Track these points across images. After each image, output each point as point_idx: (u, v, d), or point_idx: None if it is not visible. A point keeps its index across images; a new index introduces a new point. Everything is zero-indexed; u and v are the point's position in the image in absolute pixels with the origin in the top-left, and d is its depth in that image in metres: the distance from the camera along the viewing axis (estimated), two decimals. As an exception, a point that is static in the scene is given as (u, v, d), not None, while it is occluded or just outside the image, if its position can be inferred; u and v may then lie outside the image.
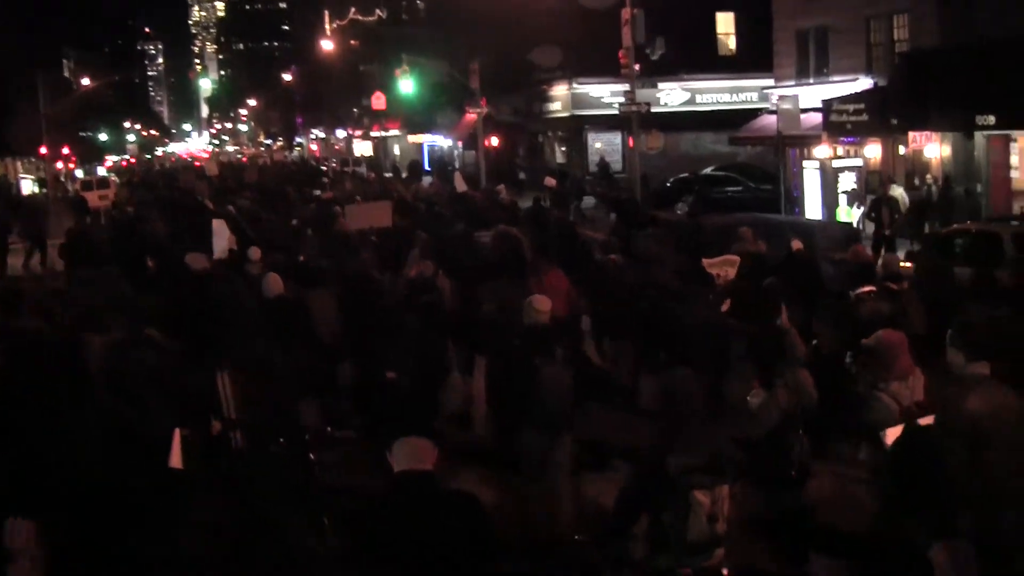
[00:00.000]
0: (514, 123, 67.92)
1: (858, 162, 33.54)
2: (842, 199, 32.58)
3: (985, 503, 7.17)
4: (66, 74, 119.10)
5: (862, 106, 34.50)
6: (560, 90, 60.31)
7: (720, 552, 7.45)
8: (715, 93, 58.30)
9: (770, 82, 51.72)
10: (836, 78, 39.01)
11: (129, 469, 8.22)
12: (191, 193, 39.05)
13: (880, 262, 15.62)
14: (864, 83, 37.16)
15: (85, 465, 7.97)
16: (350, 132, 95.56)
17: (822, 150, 38.39)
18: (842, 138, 36.45)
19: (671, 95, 56.17)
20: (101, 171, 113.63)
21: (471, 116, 68.28)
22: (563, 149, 63.88)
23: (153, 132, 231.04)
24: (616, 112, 57.47)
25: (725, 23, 59.91)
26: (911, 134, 34.01)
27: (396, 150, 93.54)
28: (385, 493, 6.41)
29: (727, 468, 7.46)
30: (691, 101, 57.56)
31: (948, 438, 7.44)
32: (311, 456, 10.91)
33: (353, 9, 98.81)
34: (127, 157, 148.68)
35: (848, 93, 36.08)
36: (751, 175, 47.56)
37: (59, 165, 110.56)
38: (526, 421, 10.56)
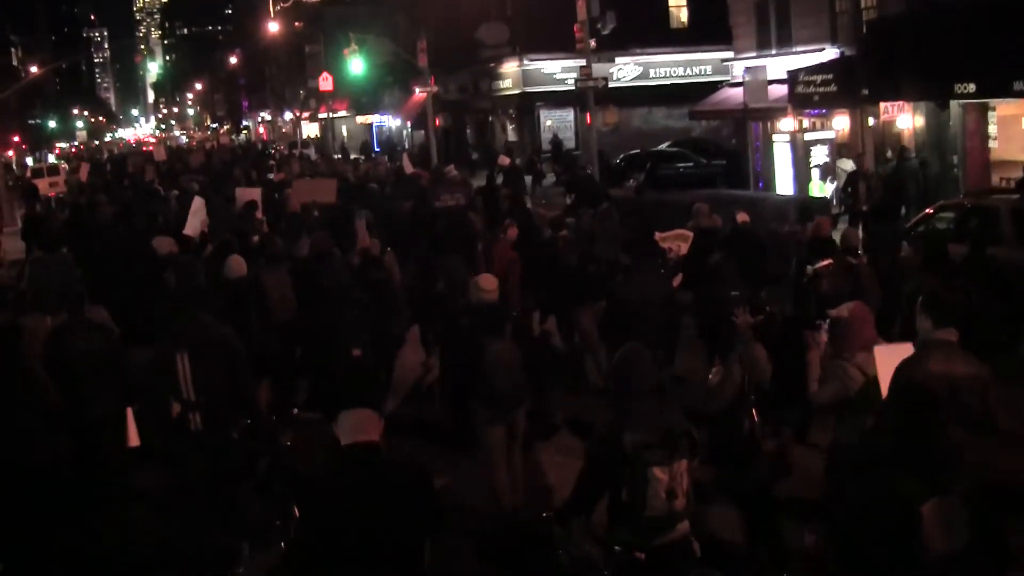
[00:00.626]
0: (462, 102, 65.48)
1: (829, 135, 31.38)
2: (814, 173, 30.45)
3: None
4: (14, 63, 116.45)
5: (830, 76, 32.45)
6: (510, 67, 57.92)
7: (680, 527, 7.33)
8: (668, 67, 56.19)
9: (727, 54, 49.88)
10: (799, 48, 36.73)
11: (60, 453, 8.53)
12: (140, 177, 39.93)
13: (840, 236, 15.10)
14: (830, 53, 35.03)
15: (16, 453, 8.24)
16: (297, 114, 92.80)
17: (787, 123, 36.43)
18: (808, 110, 34.47)
19: (623, 70, 53.95)
20: (51, 158, 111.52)
21: (419, 96, 66.03)
22: (514, 127, 61.53)
23: (101, 119, 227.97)
24: (569, 88, 56.01)
25: (675, -2, 57.83)
26: (882, 105, 31.89)
27: (344, 131, 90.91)
28: (330, 465, 6.44)
29: (683, 443, 7.26)
30: (643, 76, 55.33)
31: (897, 400, 7.53)
32: (279, 439, 10.73)
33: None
34: (76, 144, 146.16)
35: (814, 64, 34.01)
36: (704, 151, 45.78)
37: (10, 153, 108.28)
38: (474, 398, 10.73)
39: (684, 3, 57.70)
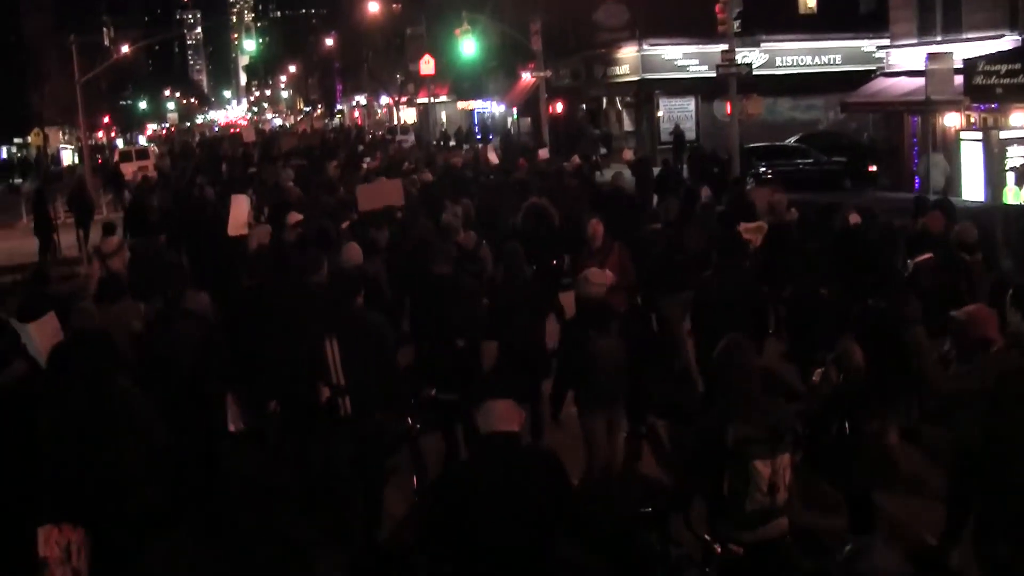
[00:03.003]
0: (573, 88, 61.73)
1: (1030, 133, 27.36)
2: (1009, 178, 26.43)
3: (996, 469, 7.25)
4: (106, 43, 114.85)
5: (1017, 66, 28.48)
6: (628, 52, 54.07)
7: (780, 523, 7.13)
8: (795, 55, 52.30)
9: (858, 43, 46.23)
10: (971, 35, 32.65)
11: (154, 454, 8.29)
12: (238, 161, 39.66)
13: (956, 231, 13.52)
14: (1009, 40, 31.13)
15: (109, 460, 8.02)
16: (395, 99, 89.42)
17: (952, 118, 32.54)
18: (978, 104, 30.54)
19: (748, 57, 49.93)
20: (142, 140, 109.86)
21: (527, 81, 62.44)
22: (631, 116, 57.76)
23: (193, 100, 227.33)
24: (690, 76, 52.59)
25: (805, -21, 53.79)
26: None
27: (443, 117, 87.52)
28: (472, 454, 7.36)
29: (786, 438, 7.11)
30: (769, 64, 51.13)
31: (977, 397, 7.66)
32: (412, 423, 10.81)
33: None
34: (167, 126, 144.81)
35: (993, 52, 30.06)
36: (832, 146, 42.44)
37: (100, 134, 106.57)
38: (581, 394, 10.72)
39: (813, -12, 53.76)
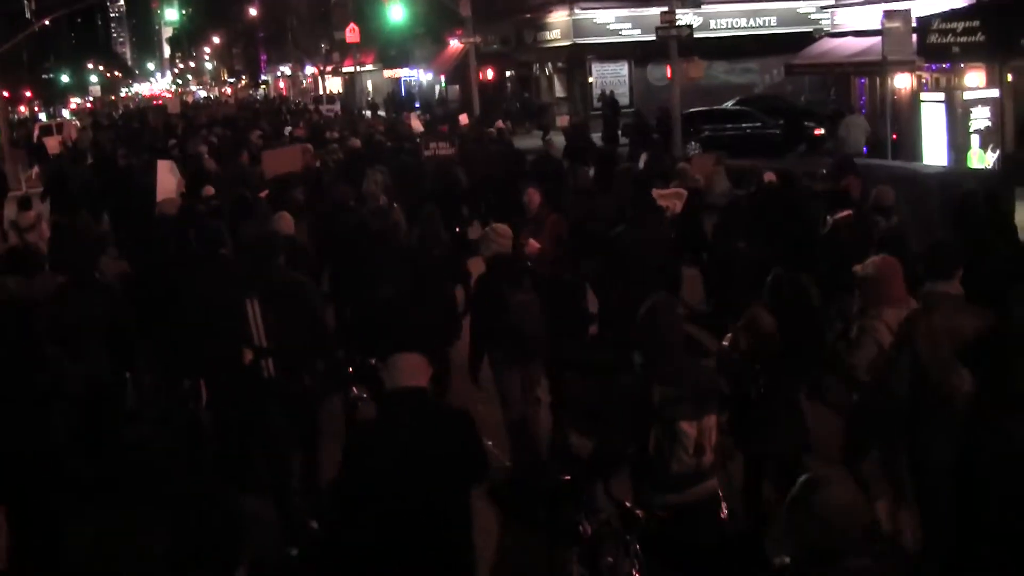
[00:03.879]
0: (502, 54, 59.42)
1: (992, 94, 25.34)
2: (974, 141, 24.53)
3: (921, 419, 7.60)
4: (27, 15, 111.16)
5: (976, 23, 26.57)
6: (559, 16, 51.86)
7: (707, 485, 7.04)
8: (730, 17, 50.28)
9: (797, 4, 44.54)
10: (919, -9, 30.89)
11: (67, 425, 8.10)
12: (159, 133, 39.41)
13: (872, 193, 13.76)
14: (960, -3, 29.33)
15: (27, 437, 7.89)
16: (320, 68, 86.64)
17: (903, 79, 30.66)
18: (929, 64, 28.69)
19: (685, 19, 47.90)
20: (65, 114, 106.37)
21: (455, 48, 60.07)
22: (562, 82, 55.58)
23: (116, 73, 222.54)
24: (623, 40, 50.54)
25: (740, -62, 51.83)
26: (1040, 58, 26.05)
27: (370, 86, 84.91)
28: (379, 410, 6.93)
29: (712, 398, 7.07)
30: (703, 27, 48.92)
31: (899, 352, 7.82)
32: (353, 389, 10.77)
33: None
34: (90, 99, 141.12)
35: (948, 9, 28.16)
36: (773, 110, 40.45)
37: (22, 108, 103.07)
38: (495, 350, 10.49)
39: (747, -51, 51.87)
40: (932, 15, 27.71)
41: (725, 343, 9.23)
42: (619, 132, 38.47)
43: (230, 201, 16.21)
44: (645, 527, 7.03)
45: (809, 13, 50.63)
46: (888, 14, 25.45)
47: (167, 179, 18.97)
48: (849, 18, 34.65)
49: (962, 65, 28.18)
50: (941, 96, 25.47)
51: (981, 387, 6.48)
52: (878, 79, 32.73)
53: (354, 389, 10.84)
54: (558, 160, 23.24)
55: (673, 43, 33.10)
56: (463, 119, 36.63)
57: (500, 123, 32.63)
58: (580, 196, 16.76)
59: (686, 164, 18.28)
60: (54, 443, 8.02)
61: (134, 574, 5.41)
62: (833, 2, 35.97)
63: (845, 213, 13.29)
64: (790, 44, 49.98)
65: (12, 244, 16.25)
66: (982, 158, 24.23)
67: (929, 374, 7.58)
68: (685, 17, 41.50)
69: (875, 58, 30.42)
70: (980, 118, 24.43)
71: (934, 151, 24.83)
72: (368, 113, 60.74)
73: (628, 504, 7.16)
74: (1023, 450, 5.89)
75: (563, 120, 36.15)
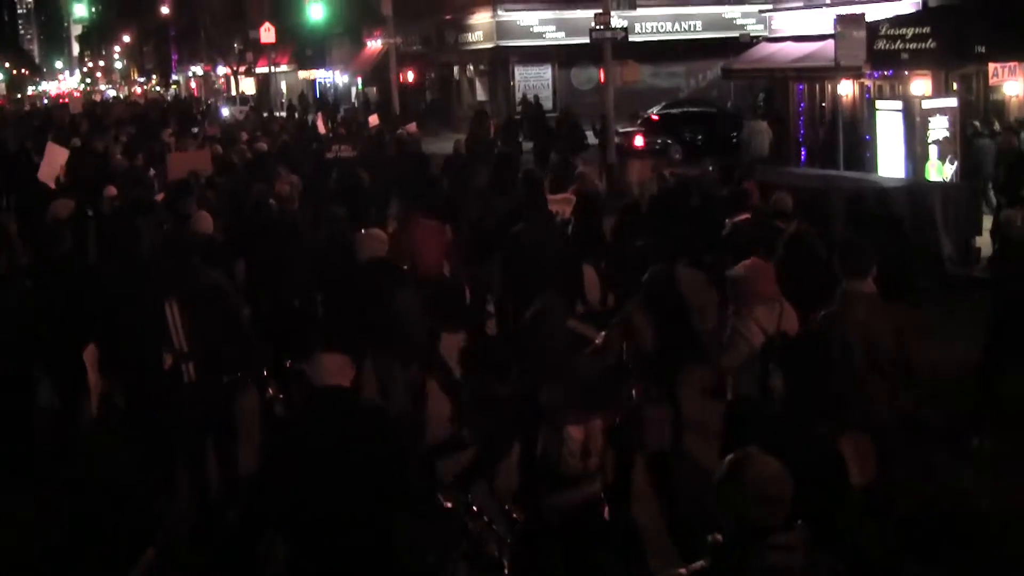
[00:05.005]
0: (422, 55, 57.54)
1: (950, 102, 23.93)
2: (932, 151, 23.12)
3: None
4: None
5: (926, 30, 25.24)
6: (481, 18, 50.22)
7: (592, 488, 6.96)
8: (655, 22, 48.84)
9: (722, 9, 43.48)
10: (864, -5, 29.58)
11: None
12: (64, 131, 37.29)
13: (773, 198, 13.95)
14: (909, 4, 28.01)
15: None
16: (233, 68, 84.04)
17: (845, 86, 29.37)
18: (870, 72, 27.42)
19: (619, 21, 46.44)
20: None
21: (373, 48, 58.12)
22: (484, 85, 53.88)
23: (24, 71, 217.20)
24: (546, 44, 49.02)
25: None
26: (991, 66, 24.77)
27: (283, 87, 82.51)
28: (301, 409, 6.85)
29: (599, 400, 7.05)
30: (628, 29, 47.61)
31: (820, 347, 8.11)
32: (270, 391, 10.53)
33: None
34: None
35: (897, 15, 26.92)
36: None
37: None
38: (376, 346, 10.27)
39: (675, -49, 50.57)
40: (881, 20, 26.39)
41: (598, 342, 9.07)
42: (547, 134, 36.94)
43: (128, 202, 16.18)
44: (525, 529, 7.03)
45: (735, 18, 49.59)
46: (841, 19, 24.06)
47: (54, 162, 19.16)
48: (787, 23, 33.27)
49: (906, 72, 26.96)
50: (899, 104, 24.01)
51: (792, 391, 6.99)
52: (817, 85, 31.44)
53: (270, 390, 10.69)
54: (461, 162, 23.01)
55: (607, 45, 31.45)
56: (372, 120, 36.01)
57: (412, 126, 31.90)
58: (477, 196, 16.70)
59: (585, 169, 18.91)
60: None
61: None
62: (771, 6, 34.41)
63: (743, 216, 13.54)
64: (715, 49, 49.21)
65: None
66: (940, 170, 22.87)
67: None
68: (617, 20, 40.22)
69: (820, 63, 29.22)
70: (938, 128, 23.04)
71: (890, 161, 23.41)
72: (284, 115, 58.62)
73: (506, 507, 7.23)
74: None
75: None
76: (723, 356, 8.65)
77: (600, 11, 31.28)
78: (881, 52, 25.96)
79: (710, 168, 19.17)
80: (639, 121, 36.64)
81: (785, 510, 4.72)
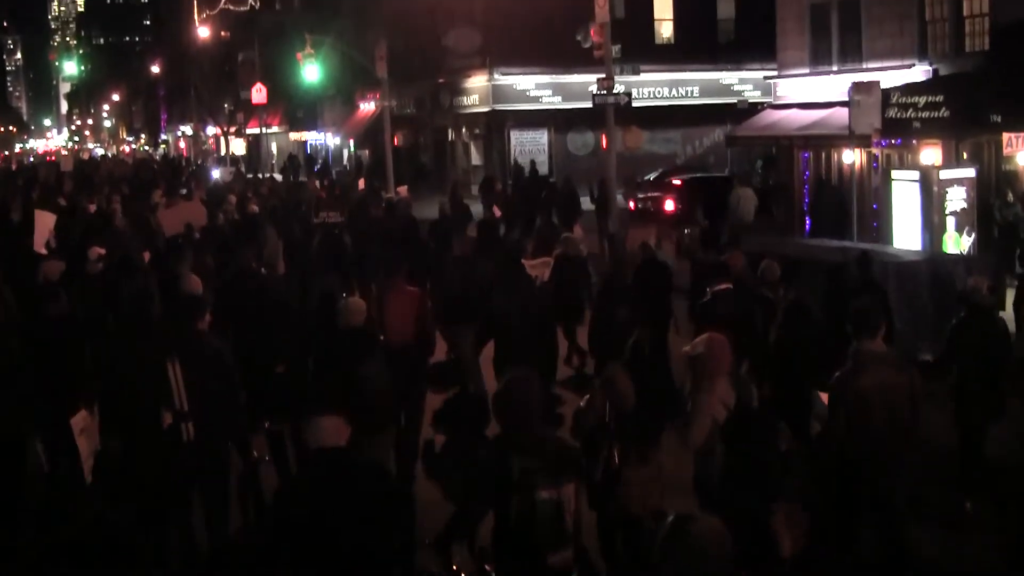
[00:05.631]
0: (416, 118, 56.93)
1: (967, 173, 23.32)
2: (950, 223, 22.50)
3: (863, 465, 8.60)
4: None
5: (939, 98, 24.78)
6: (477, 81, 49.67)
7: (565, 554, 7.02)
8: (653, 87, 48.32)
9: (718, 75, 44.12)
10: (873, 64, 28.95)
11: None
12: (50, 188, 37.72)
13: (761, 266, 13.99)
14: (919, 71, 27.56)
15: None
16: (224, 129, 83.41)
17: (849, 155, 28.77)
18: (878, 141, 26.79)
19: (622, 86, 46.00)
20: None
21: (365, 111, 57.62)
22: (479, 149, 53.24)
23: (11, 128, 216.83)
24: (543, 108, 48.45)
25: (661, 7, 50.11)
26: (1005, 136, 24.20)
27: (274, 148, 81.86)
28: (301, 470, 7.27)
29: (570, 466, 7.15)
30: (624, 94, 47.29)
31: (835, 407, 8.88)
32: (255, 452, 10.99)
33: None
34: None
35: (901, 84, 26.45)
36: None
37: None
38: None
39: (670, 17, 50.24)
40: (892, 88, 25.88)
41: (582, 404, 9.30)
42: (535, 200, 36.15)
43: (116, 261, 16.16)
44: None
45: (732, 84, 49.27)
46: (856, 86, 23.42)
47: (44, 229, 19.18)
48: (792, 90, 32.78)
49: (914, 141, 26.44)
50: (915, 175, 23.41)
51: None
52: (823, 153, 30.90)
53: (255, 451, 11.02)
54: (446, 226, 22.99)
55: (610, 110, 30.88)
56: (360, 184, 36.24)
57: (403, 189, 31.95)
58: (457, 262, 16.83)
59: (570, 233, 19.25)
60: None
61: None
62: (776, 73, 33.92)
63: (724, 286, 13.54)
64: (713, 115, 48.78)
65: None
66: (958, 241, 22.23)
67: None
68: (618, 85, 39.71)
69: (829, 131, 28.69)
70: (956, 199, 22.43)
71: (905, 232, 22.75)
72: (279, 176, 57.91)
73: (487, 568, 7.30)
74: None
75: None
76: (689, 432, 8.77)
77: (603, 75, 30.71)
78: (892, 120, 25.38)
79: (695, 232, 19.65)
80: (637, 186, 35.80)
81: (730, 565, 4.93)
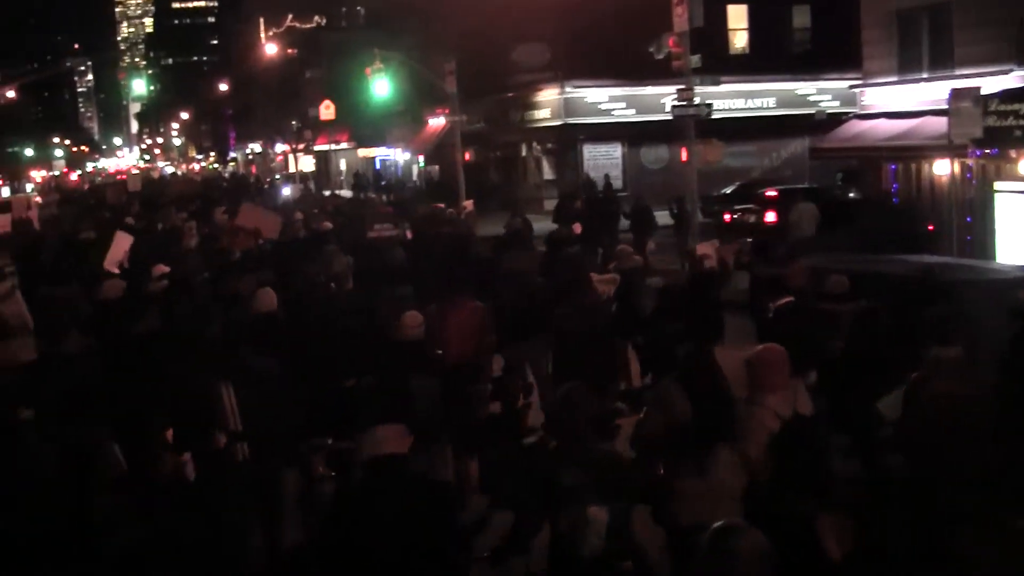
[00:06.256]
0: (484, 134, 56.07)
1: (1077, 184, 22.16)
2: (1059, 238, 21.25)
3: (928, 472, 8.12)
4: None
5: (1046, 104, 23.50)
6: (548, 95, 48.76)
7: (621, 567, 6.79)
8: (728, 99, 46.96)
9: (793, 85, 43.16)
10: (965, 71, 27.56)
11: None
12: (120, 208, 37.73)
13: (829, 280, 13.32)
14: (1016, 77, 26.24)
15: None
16: (292, 146, 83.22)
17: (942, 165, 27.44)
18: (973, 151, 25.52)
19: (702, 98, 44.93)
20: (29, 188, 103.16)
21: (434, 127, 56.85)
22: (550, 163, 52.25)
23: (83, 148, 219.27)
24: (615, 121, 47.43)
25: (736, 16, 48.94)
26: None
27: (343, 165, 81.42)
28: (361, 477, 6.86)
29: (624, 482, 7.14)
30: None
31: (910, 415, 8.70)
32: (320, 469, 10.86)
33: (291, 16, 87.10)
34: (55, 173, 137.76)
35: (997, 90, 25.11)
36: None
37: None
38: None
39: (745, 27, 49.05)
40: (990, 95, 24.58)
41: (639, 416, 9.28)
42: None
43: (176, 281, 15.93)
44: None
45: (809, 95, 48.06)
46: (955, 92, 22.18)
47: (118, 250, 18.92)
48: (880, 98, 31.48)
49: (1012, 152, 25.13)
50: (1022, 186, 22.13)
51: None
52: (913, 165, 29.59)
53: (319, 468, 10.95)
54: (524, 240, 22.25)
55: (691, 122, 29.82)
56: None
57: (468, 203, 31.20)
58: (511, 278, 16.58)
59: (625, 246, 19.16)
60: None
61: None
62: (862, 81, 32.66)
63: (785, 300, 13.42)
64: (788, 127, 47.55)
65: None
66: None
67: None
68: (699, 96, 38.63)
69: (919, 141, 27.44)
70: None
71: (1011, 247, 21.46)
72: (348, 193, 57.36)
73: None
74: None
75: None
76: (742, 443, 8.44)
77: (683, 86, 29.63)
78: (991, 129, 24.08)
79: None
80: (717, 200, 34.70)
81: None
